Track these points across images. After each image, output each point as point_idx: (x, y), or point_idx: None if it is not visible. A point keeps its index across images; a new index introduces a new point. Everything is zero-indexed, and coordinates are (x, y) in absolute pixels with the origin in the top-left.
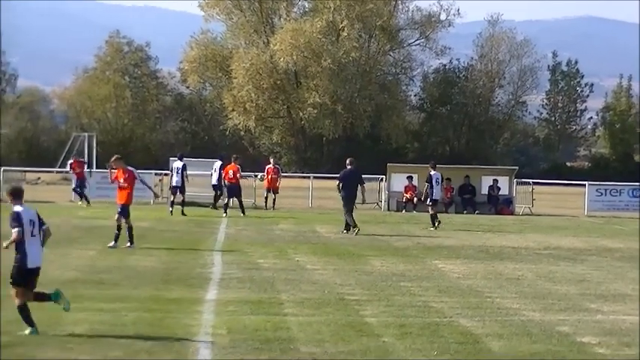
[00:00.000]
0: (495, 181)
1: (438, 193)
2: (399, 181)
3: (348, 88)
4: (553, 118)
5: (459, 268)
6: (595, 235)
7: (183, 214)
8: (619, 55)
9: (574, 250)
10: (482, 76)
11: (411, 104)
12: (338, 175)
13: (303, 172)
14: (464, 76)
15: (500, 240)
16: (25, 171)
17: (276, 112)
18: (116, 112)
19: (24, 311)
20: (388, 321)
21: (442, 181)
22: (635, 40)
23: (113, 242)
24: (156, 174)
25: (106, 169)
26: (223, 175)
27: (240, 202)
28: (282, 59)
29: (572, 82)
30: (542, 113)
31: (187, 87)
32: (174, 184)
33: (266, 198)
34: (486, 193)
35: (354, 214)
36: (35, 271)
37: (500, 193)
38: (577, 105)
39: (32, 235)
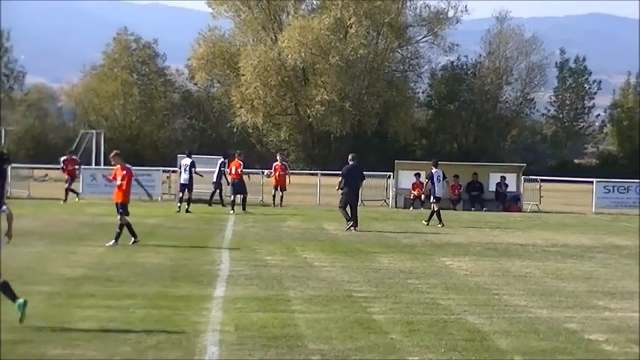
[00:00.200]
0: (503, 178)
1: (439, 190)
2: (406, 179)
3: (355, 85)
4: (561, 115)
5: (466, 265)
6: (602, 232)
7: (187, 211)
8: (627, 52)
9: (581, 248)
10: (490, 73)
11: (418, 101)
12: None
13: (310, 170)
14: (472, 73)
15: (507, 237)
16: (33, 168)
17: (284, 110)
18: (124, 110)
19: None
20: (396, 318)
21: (444, 178)
22: None
23: (114, 242)
24: (163, 171)
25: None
26: (227, 171)
27: (244, 199)
28: (289, 56)
29: (579, 79)
30: (549, 110)
31: (195, 84)
32: (182, 181)
33: (274, 195)
34: (494, 190)
35: (358, 209)
36: None
37: (507, 190)
38: (585, 102)
39: None
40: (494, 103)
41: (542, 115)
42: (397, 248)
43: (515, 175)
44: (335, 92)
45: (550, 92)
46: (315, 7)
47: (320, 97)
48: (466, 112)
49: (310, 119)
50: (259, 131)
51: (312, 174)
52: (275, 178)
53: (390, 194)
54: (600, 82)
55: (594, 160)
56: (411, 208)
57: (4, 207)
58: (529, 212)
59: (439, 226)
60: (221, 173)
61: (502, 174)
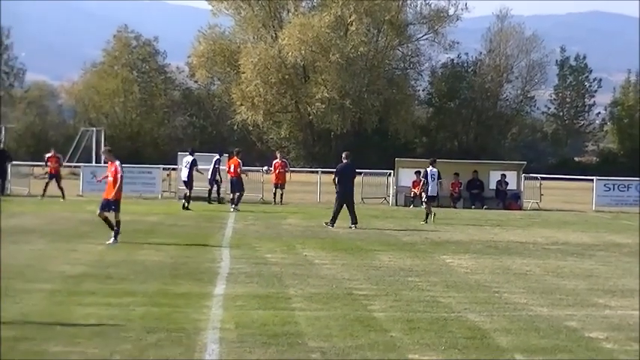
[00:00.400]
0: (503, 176)
1: (433, 189)
2: (406, 176)
3: (356, 82)
4: (561, 113)
5: (466, 263)
6: (603, 230)
7: (186, 208)
8: (627, 50)
9: (582, 246)
10: (490, 71)
11: (419, 99)
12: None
13: (311, 167)
14: (472, 70)
15: (508, 235)
16: (33, 165)
17: (284, 107)
18: (124, 107)
19: None
20: (396, 316)
21: (439, 178)
22: None
23: (113, 240)
24: (164, 169)
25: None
26: (226, 169)
27: (240, 196)
28: (290, 54)
29: (580, 77)
30: (550, 108)
31: (195, 82)
32: (183, 178)
33: (274, 193)
34: (494, 188)
35: (358, 206)
36: None
37: (508, 188)
38: (585, 100)
39: None
40: (494, 100)
41: (543, 113)
42: (397, 246)
43: (515, 173)
44: (335, 90)
45: (550, 90)
46: (315, 4)
47: (320, 94)
48: (466, 109)
49: (311, 117)
50: (260, 129)
51: (312, 172)
52: (275, 175)
53: (391, 192)
54: (601, 80)
55: (595, 158)
56: (412, 206)
57: None
58: (529, 210)
59: (422, 222)
60: (215, 170)
61: (502, 172)
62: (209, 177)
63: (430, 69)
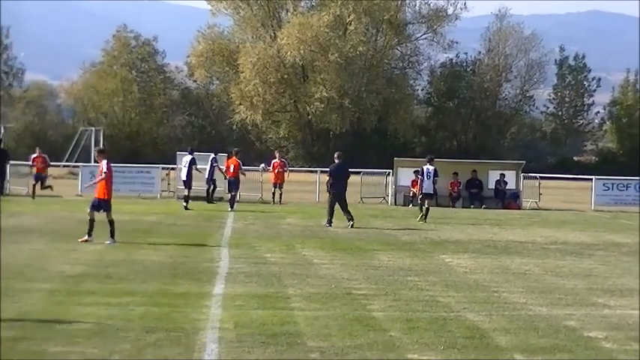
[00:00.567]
0: (502, 175)
1: (429, 186)
2: (406, 176)
3: (355, 82)
4: (560, 113)
5: (466, 262)
6: (602, 229)
7: (186, 208)
8: (626, 50)
9: (581, 245)
10: (489, 70)
11: (418, 98)
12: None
13: (310, 167)
14: (471, 70)
15: (507, 234)
16: (32, 166)
17: (283, 107)
18: (123, 107)
19: None
20: (395, 315)
21: (436, 175)
22: None
23: (111, 240)
24: (163, 168)
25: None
26: (224, 169)
27: (233, 196)
28: (289, 53)
29: (579, 77)
30: (549, 108)
31: (194, 81)
32: (183, 178)
33: (273, 193)
34: (493, 187)
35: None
36: None
37: (507, 187)
38: (584, 99)
39: None
40: (493, 100)
41: (542, 112)
42: (397, 246)
43: (514, 172)
44: (334, 89)
45: (549, 89)
46: (314, 4)
47: (319, 94)
48: (465, 109)
49: (309, 116)
50: (258, 128)
51: (311, 171)
52: (274, 175)
53: (390, 191)
54: (600, 79)
55: (594, 158)
56: (411, 206)
57: None
58: (528, 210)
59: (417, 220)
60: (212, 169)
61: (501, 171)
62: (206, 176)
63: (429, 68)
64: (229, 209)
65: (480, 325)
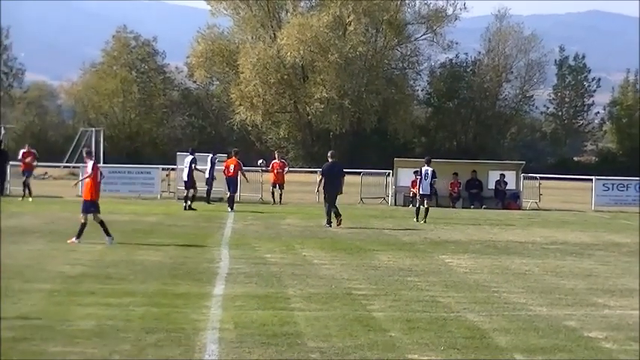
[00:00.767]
0: (502, 175)
1: (425, 187)
2: (405, 176)
3: (355, 82)
4: (560, 113)
5: (466, 262)
6: (602, 229)
7: (190, 208)
8: (626, 50)
9: (581, 245)
10: (489, 71)
11: (418, 99)
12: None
13: (310, 167)
14: (471, 70)
15: (507, 235)
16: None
17: (283, 107)
18: (123, 107)
19: None
20: (395, 316)
21: (434, 177)
22: None
23: (108, 238)
24: (163, 169)
25: (114, 163)
26: (224, 169)
27: (232, 197)
28: (289, 54)
29: (579, 77)
30: (549, 108)
31: (194, 82)
32: (184, 178)
33: (272, 193)
34: (493, 187)
35: (337, 207)
36: None
37: (507, 187)
38: (584, 100)
39: None
40: (493, 100)
41: (542, 112)
42: (397, 246)
43: (514, 172)
44: (334, 90)
45: (549, 90)
46: (313, 4)
47: (319, 94)
48: (465, 109)
49: (309, 117)
50: (259, 129)
51: (311, 172)
52: (273, 175)
53: (390, 192)
54: (600, 79)
55: (594, 158)
56: (411, 206)
57: None
58: (528, 210)
59: (414, 220)
60: (213, 169)
61: (501, 172)
62: (206, 177)
63: (429, 69)
64: (229, 210)
65: (480, 326)
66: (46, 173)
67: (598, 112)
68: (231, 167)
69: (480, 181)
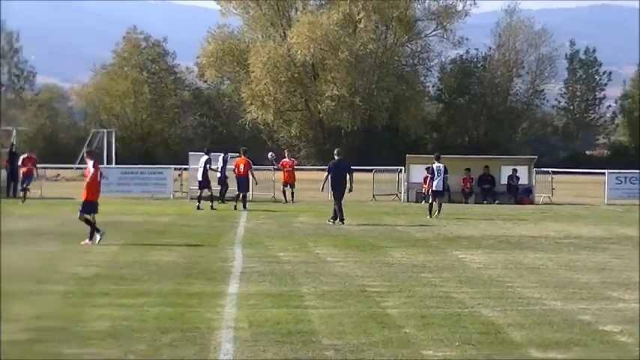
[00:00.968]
0: (515, 170)
1: (439, 184)
2: (418, 172)
3: (365, 79)
4: (572, 107)
5: (479, 258)
6: (615, 223)
7: (212, 208)
8: (637, 43)
9: (594, 239)
10: (500, 66)
11: (429, 95)
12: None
13: (322, 165)
14: (482, 65)
15: (520, 229)
16: (45, 168)
17: (294, 106)
18: (135, 108)
19: None
20: (409, 312)
21: (446, 172)
22: None
23: (97, 236)
24: (175, 169)
25: (125, 164)
26: (234, 168)
27: (244, 196)
28: (299, 52)
29: (590, 71)
30: (560, 102)
31: (205, 81)
32: (199, 178)
33: (284, 192)
34: (506, 182)
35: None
36: None
37: (519, 182)
38: (595, 93)
39: None
40: (504, 95)
41: (553, 107)
42: (410, 242)
43: (526, 167)
44: (345, 87)
45: (560, 84)
46: (323, 2)
47: (330, 92)
48: (476, 105)
49: (321, 115)
50: (270, 127)
51: (323, 169)
52: (284, 174)
53: (402, 188)
54: (611, 73)
55: (606, 152)
56: (423, 202)
57: None
58: (541, 204)
59: (427, 217)
60: (224, 168)
61: (514, 166)
62: (219, 176)
63: (439, 65)
64: (242, 209)
65: (495, 321)
66: (58, 175)
67: (609, 106)
68: (241, 166)
69: (493, 177)
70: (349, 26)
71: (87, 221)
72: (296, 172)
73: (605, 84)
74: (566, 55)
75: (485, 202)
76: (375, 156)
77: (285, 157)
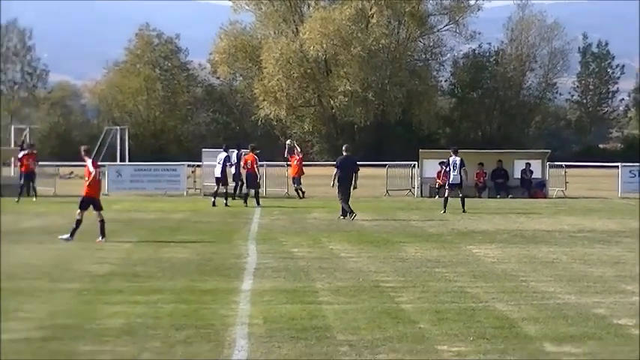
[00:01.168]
0: (528, 164)
1: (455, 177)
2: (431, 167)
3: (378, 75)
4: (584, 101)
5: (493, 252)
6: (629, 216)
7: (226, 205)
8: None
9: (608, 233)
10: (512, 60)
11: (441, 90)
12: (335, 163)
13: (335, 161)
14: (494, 60)
15: (534, 223)
16: (58, 165)
17: (307, 101)
18: (147, 105)
19: None
20: (424, 307)
21: (462, 166)
22: None
23: (66, 237)
24: (188, 165)
25: (139, 161)
26: (242, 164)
27: (257, 192)
28: (311, 48)
29: (602, 64)
30: (573, 95)
31: (218, 78)
32: (217, 175)
33: (296, 190)
34: (519, 177)
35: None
36: None
37: (533, 176)
38: (608, 86)
39: None
40: (517, 89)
41: (566, 100)
42: (423, 237)
43: (540, 161)
44: (358, 82)
45: (573, 78)
46: None
47: (343, 87)
48: (489, 99)
49: (333, 110)
50: (283, 123)
51: (336, 165)
52: (294, 169)
53: (416, 183)
54: (623, 66)
55: (619, 145)
56: (437, 197)
57: None
58: (555, 198)
59: (441, 211)
60: (238, 165)
61: (527, 160)
62: (233, 172)
63: (452, 59)
64: (256, 205)
65: (509, 315)
66: (72, 172)
67: (623, 99)
68: (249, 162)
69: (506, 171)
70: (361, 21)
71: (78, 222)
72: (308, 168)
73: (618, 77)
74: (578, 48)
75: (498, 196)
76: (388, 151)
77: (294, 152)
